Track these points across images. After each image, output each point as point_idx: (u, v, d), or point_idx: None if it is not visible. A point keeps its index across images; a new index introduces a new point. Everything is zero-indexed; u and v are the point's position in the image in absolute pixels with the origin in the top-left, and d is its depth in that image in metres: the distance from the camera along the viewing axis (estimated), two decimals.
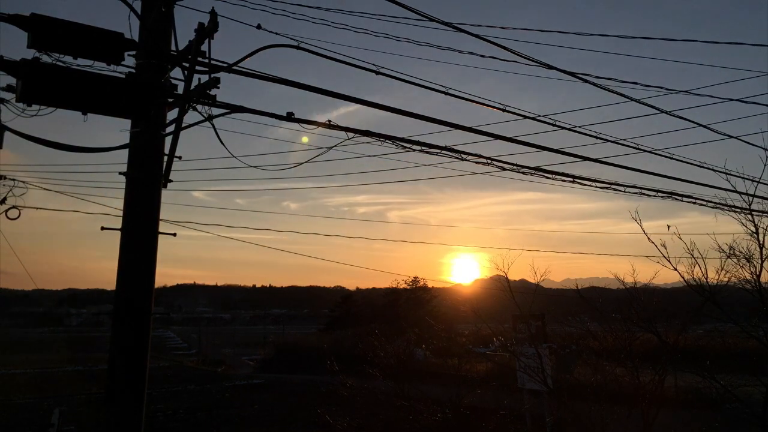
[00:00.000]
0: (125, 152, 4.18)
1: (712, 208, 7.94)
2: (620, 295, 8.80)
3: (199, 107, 4.16)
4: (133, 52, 4.01)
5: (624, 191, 7.26)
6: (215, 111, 4.22)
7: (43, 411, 15.85)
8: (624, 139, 7.20)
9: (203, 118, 4.21)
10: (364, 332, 28.97)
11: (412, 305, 39.09)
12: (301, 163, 5.68)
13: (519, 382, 13.29)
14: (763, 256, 7.23)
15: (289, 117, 4.57)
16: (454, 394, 8.22)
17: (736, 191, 7.58)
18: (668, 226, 7.63)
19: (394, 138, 5.26)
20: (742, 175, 7.64)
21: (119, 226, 4.13)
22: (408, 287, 40.77)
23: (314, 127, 4.77)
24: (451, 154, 5.77)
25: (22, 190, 8.71)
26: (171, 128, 4.21)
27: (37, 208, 9.97)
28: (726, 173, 7.63)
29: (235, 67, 4.17)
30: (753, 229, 7.40)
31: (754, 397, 7.45)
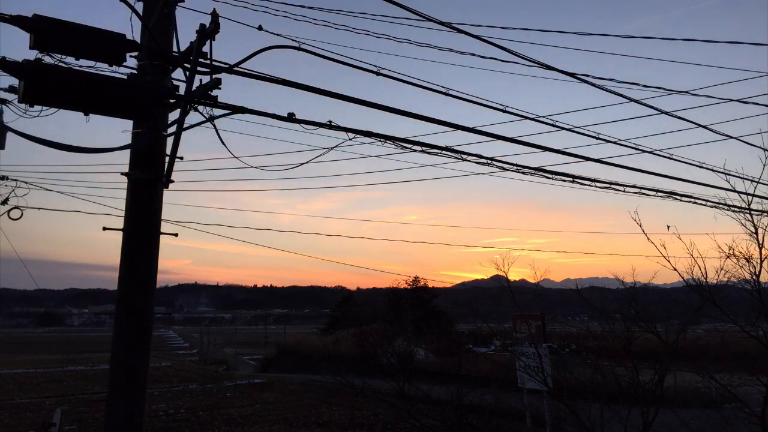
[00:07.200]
0: (127, 153, 4.20)
1: (712, 207, 7.96)
2: (620, 295, 8.82)
3: (201, 108, 4.19)
4: (135, 54, 4.04)
5: (624, 191, 7.29)
6: (216, 112, 4.25)
7: (45, 410, 15.89)
8: (624, 139, 7.22)
9: (205, 119, 4.24)
10: (364, 332, 29.03)
11: (412, 305, 39.13)
12: (303, 164, 5.70)
13: (519, 382, 13.34)
14: (763, 256, 7.23)
15: (290, 118, 4.59)
16: (454, 393, 8.24)
17: (735, 191, 7.59)
18: (668, 227, 7.65)
19: (395, 138, 5.28)
20: (741, 175, 7.64)
21: (121, 226, 4.16)
22: (409, 287, 40.80)
23: (315, 127, 4.79)
24: (451, 154, 5.80)
25: (25, 190, 8.74)
26: (173, 129, 4.22)
27: (39, 209, 10.01)
28: (725, 173, 7.64)
29: (236, 68, 4.20)
30: (752, 229, 7.41)
31: (754, 396, 7.46)
